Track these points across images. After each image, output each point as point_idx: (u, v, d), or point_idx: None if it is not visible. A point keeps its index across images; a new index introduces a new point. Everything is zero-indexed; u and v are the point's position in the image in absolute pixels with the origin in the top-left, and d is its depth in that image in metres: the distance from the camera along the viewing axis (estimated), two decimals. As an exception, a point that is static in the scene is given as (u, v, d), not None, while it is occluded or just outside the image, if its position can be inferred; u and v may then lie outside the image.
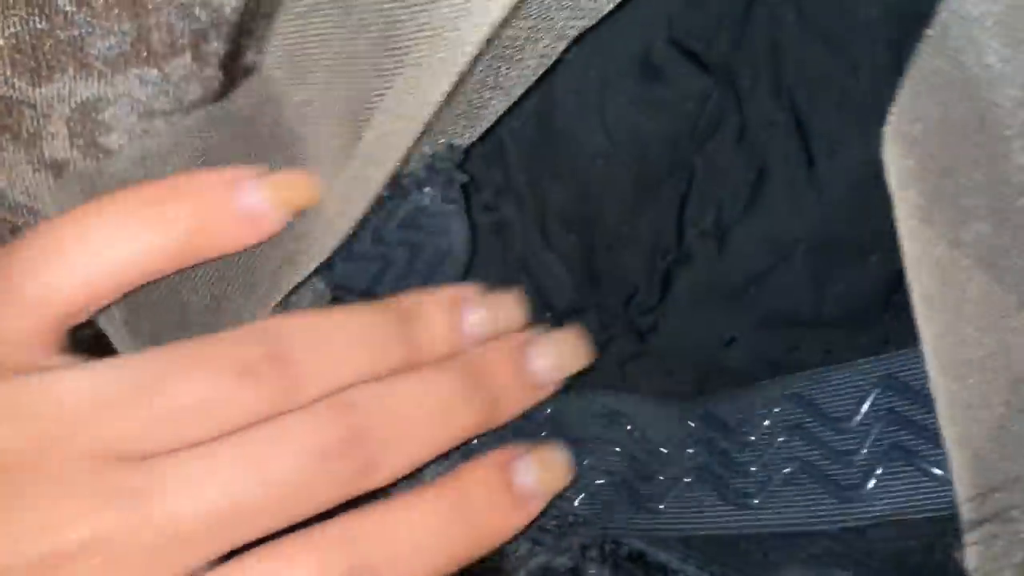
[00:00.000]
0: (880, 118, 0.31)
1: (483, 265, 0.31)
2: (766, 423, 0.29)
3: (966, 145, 0.22)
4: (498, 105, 0.28)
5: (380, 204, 0.28)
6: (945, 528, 0.25)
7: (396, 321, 0.25)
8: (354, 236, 0.28)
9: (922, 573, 0.27)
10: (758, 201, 0.32)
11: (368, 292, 0.29)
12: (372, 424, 0.23)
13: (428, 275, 0.29)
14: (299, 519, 0.23)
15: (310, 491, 0.23)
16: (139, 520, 0.21)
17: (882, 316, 0.32)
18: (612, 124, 0.32)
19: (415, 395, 0.24)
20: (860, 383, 0.27)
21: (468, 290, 0.28)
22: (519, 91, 0.28)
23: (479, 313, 0.27)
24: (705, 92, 0.31)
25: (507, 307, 0.28)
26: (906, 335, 0.31)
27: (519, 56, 0.27)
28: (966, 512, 0.23)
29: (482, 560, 0.26)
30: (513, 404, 0.27)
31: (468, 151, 0.29)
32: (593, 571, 0.28)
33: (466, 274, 0.29)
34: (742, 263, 0.33)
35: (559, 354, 0.28)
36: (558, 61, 0.31)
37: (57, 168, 0.40)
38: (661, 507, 0.29)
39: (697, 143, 0.32)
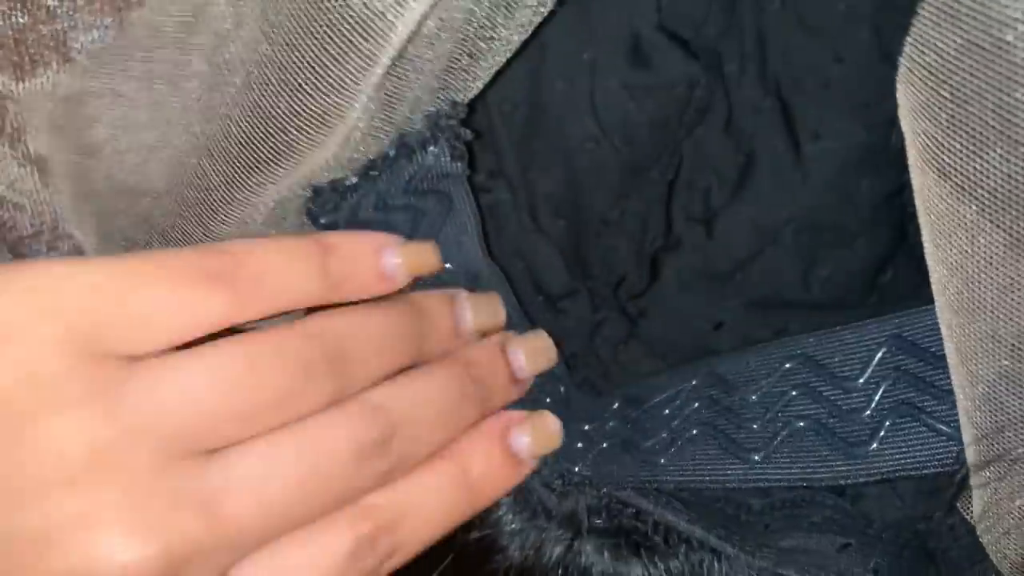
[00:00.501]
0: (864, 103, 0.31)
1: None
2: (769, 381, 0.29)
3: (981, 71, 0.22)
4: (498, 56, 0.29)
5: (384, 162, 0.28)
6: (948, 483, 0.25)
7: (415, 319, 0.27)
8: (358, 204, 0.29)
9: (920, 540, 0.28)
10: (745, 186, 0.32)
11: None
12: (400, 424, 0.25)
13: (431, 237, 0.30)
14: (331, 512, 0.24)
15: (347, 487, 0.24)
16: (207, 523, 0.22)
17: (868, 298, 0.32)
18: (602, 109, 0.32)
19: (431, 396, 0.26)
20: (867, 342, 0.28)
21: (460, 291, 0.30)
22: (517, 40, 0.28)
23: (470, 313, 0.29)
24: (694, 78, 0.32)
25: (493, 307, 0.30)
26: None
27: (515, 4, 0.27)
28: (972, 455, 0.24)
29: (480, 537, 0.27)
30: (501, 399, 0.29)
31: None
32: (588, 550, 0.28)
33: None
34: (730, 248, 0.33)
35: (533, 352, 0.30)
36: (547, 47, 0.31)
37: (42, 163, 0.40)
38: (662, 461, 0.30)
39: (686, 129, 0.32)
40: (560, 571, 0.29)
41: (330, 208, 0.29)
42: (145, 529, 0.21)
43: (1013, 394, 0.23)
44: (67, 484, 0.21)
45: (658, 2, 0.31)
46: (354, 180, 0.29)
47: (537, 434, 0.28)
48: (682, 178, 0.33)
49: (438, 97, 0.29)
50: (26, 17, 0.39)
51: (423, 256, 0.28)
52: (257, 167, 0.28)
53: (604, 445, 0.31)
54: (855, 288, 0.32)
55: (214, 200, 0.30)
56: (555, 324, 0.34)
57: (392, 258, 0.27)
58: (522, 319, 0.32)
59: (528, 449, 0.28)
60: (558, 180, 0.33)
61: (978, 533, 0.25)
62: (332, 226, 0.29)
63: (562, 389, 0.32)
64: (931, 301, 0.28)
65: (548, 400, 0.31)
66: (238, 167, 0.29)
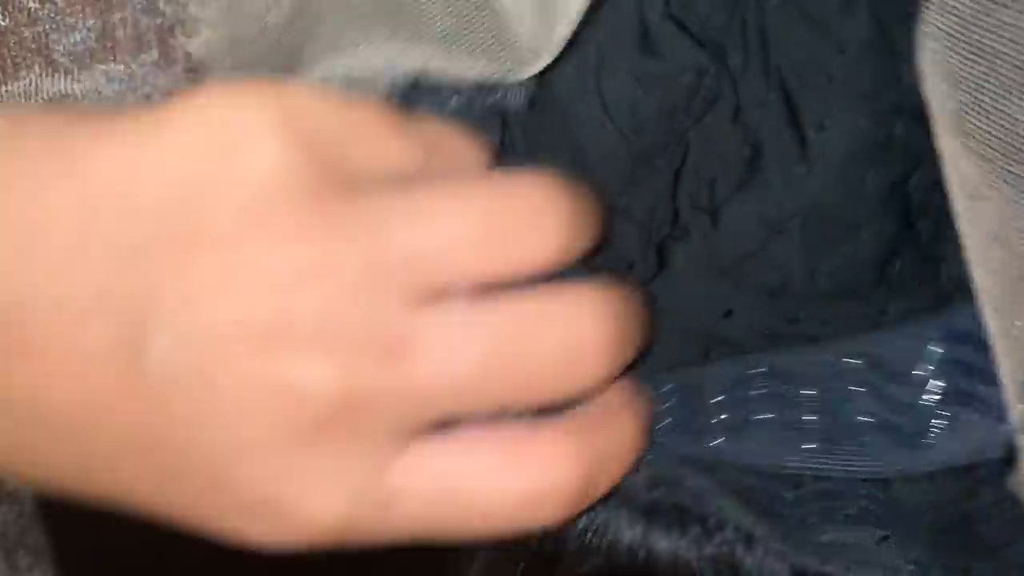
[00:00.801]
0: (867, 93, 0.32)
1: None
2: (829, 377, 0.29)
3: (1005, 28, 0.22)
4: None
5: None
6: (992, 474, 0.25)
7: None
8: None
9: (954, 525, 0.28)
10: (752, 177, 0.32)
11: None
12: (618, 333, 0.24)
13: None
14: (534, 405, 0.23)
15: (561, 380, 0.23)
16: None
17: (877, 288, 0.32)
18: (610, 97, 0.32)
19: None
20: (921, 336, 0.28)
21: None
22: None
23: None
24: (702, 67, 0.32)
25: None
26: (901, 308, 0.32)
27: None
28: (1018, 415, 0.24)
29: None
30: None
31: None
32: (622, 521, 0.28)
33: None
34: (736, 238, 0.33)
35: None
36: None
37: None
38: (718, 442, 0.30)
39: (693, 118, 0.32)
40: (589, 536, 0.28)
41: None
42: (335, 352, 0.21)
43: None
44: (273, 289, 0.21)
45: (665, -9, 0.31)
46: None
47: None
48: (688, 167, 0.33)
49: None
50: (7, 20, 0.38)
51: None
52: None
53: (663, 423, 0.31)
54: (863, 278, 0.32)
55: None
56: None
57: None
58: None
59: None
60: (565, 166, 0.33)
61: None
62: None
63: None
64: (942, 289, 0.29)
65: None
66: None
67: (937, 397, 0.27)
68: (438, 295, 0.22)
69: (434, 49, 0.27)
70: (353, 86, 0.26)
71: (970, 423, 0.27)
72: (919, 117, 0.32)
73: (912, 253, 0.33)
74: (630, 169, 0.33)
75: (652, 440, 0.30)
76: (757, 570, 0.28)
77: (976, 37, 0.22)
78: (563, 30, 0.27)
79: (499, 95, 0.28)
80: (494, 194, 0.23)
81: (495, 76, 0.27)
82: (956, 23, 0.23)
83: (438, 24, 0.27)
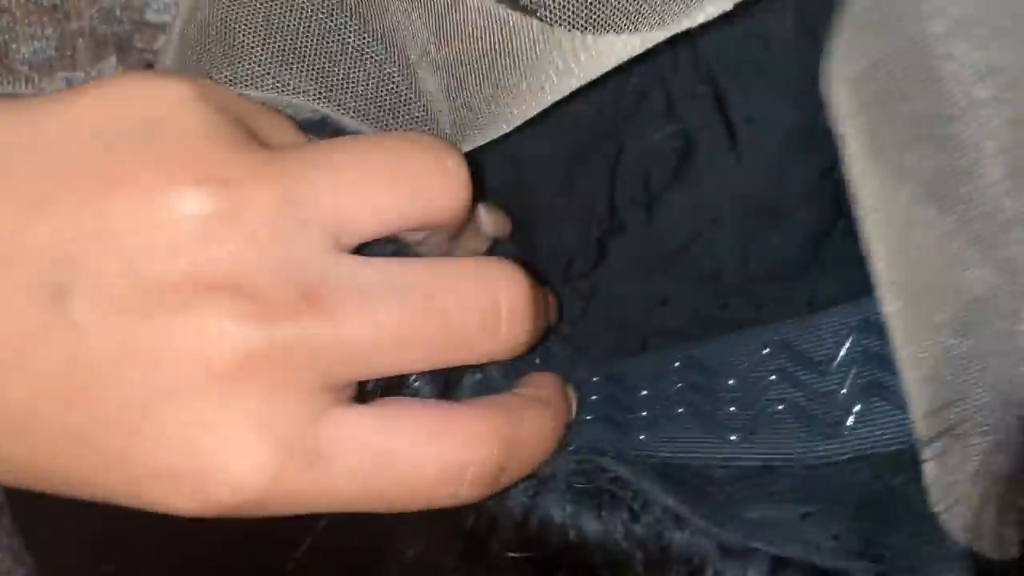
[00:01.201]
0: (793, 86, 0.33)
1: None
2: (748, 366, 0.30)
3: (906, 76, 0.23)
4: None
5: None
6: (908, 458, 0.26)
7: None
8: None
9: (878, 503, 0.29)
10: (684, 170, 0.33)
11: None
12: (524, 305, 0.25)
13: None
14: (454, 363, 0.24)
15: (478, 340, 0.24)
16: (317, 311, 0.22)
17: (807, 272, 0.33)
18: (539, 94, 0.33)
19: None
20: (840, 327, 0.29)
21: None
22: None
23: None
24: (628, 64, 0.33)
25: None
26: (833, 290, 0.33)
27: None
28: (921, 430, 0.25)
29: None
30: None
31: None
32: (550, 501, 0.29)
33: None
34: (672, 229, 0.34)
35: None
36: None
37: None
38: (642, 437, 0.31)
39: (623, 116, 0.33)
40: (520, 517, 0.30)
41: None
42: (253, 297, 0.21)
43: (953, 374, 0.24)
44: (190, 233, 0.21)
45: (590, -7, 0.32)
46: None
47: None
48: (623, 164, 0.34)
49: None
50: (-34, 31, 0.39)
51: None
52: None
53: (588, 418, 0.32)
54: (793, 263, 0.34)
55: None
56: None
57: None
58: None
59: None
60: (502, 169, 0.34)
61: (931, 506, 0.26)
62: None
63: (537, 361, 0.33)
64: (870, 274, 0.29)
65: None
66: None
67: (852, 386, 0.28)
68: (357, 249, 0.23)
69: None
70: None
71: (882, 413, 0.27)
72: (843, 107, 0.33)
73: (841, 238, 0.34)
74: (565, 169, 0.34)
75: (578, 432, 0.31)
76: (686, 548, 0.29)
77: (879, 85, 0.24)
78: (467, 147, 0.28)
79: None
80: (395, 146, 0.24)
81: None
82: (864, 67, 0.24)
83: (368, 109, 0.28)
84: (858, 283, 0.33)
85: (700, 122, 0.33)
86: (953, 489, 0.25)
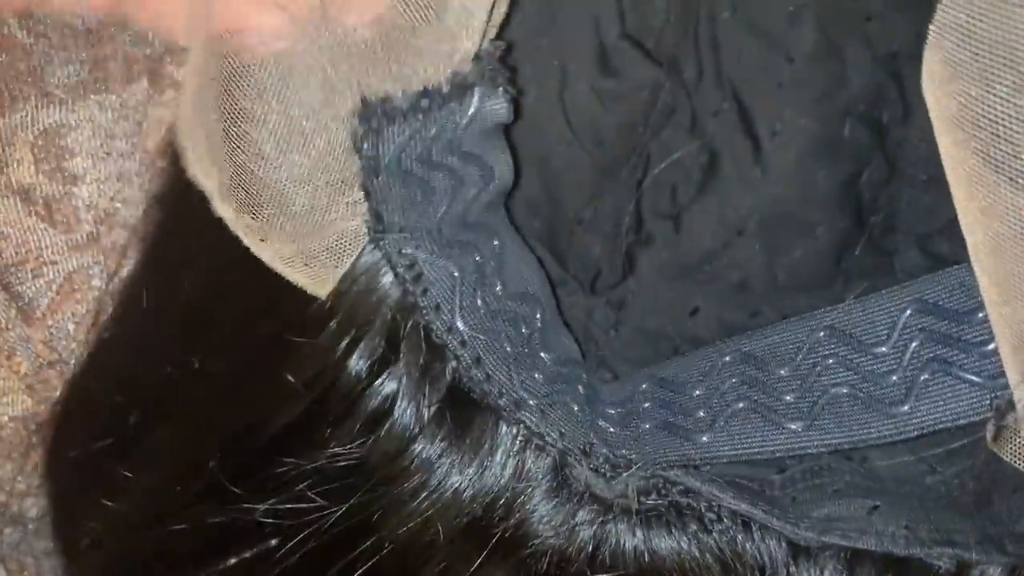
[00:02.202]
0: (816, 98, 0.33)
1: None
2: (800, 355, 0.30)
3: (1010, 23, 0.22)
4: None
5: (436, 98, 0.28)
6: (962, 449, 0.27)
7: None
8: (404, 147, 0.28)
9: (939, 495, 0.30)
10: (710, 183, 0.34)
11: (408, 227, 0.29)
12: None
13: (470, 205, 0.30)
14: None
15: None
16: None
17: (834, 282, 0.34)
18: (572, 112, 0.34)
19: None
20: (890, 308, 0.29)
21: None
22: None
23: None
24: (657, 83, 0.33)
25: None
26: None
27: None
28: (1015, 379, 0.24)
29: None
30: None
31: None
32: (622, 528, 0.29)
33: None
34: (698, 241, 0.35)
35: None
36: (517, 50, 0.32)
37: (24, 193, 0.41)
38: (705, 439, 0.31)
39: (652, 131, 0.34)
40: (592, 550, 0.30)
41: (374, 130, 0.28)
42: None
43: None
44: None
45: (620, 11, 0.33)
46: (404, 105, 0.28)
47: None
48: (650, 178, 0.35)
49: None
50: (2, 55, 0.40)
51: None
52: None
53: (646, 426, 0.32)
54: (819, 273, 0.34)
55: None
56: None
57: None
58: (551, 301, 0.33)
59: None
60: (532, 181, 0.35)
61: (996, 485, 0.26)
62: (374, 162, 0.28)
63: (583, 375, 0.33)
64: (895, 282, 0.30)
65: (572, 399, 0.32)
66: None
67: (911, 364, 0.28)
68: None
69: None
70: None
71: (947, 387, 0.27)
72: (866, 119, 0.34)
73: (865, 247, 0.34)
74: (594, 182, 0.35)
75: (640, 444, 0.31)
76: (758, 553, 0.29)
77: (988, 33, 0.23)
78: None
79: (475, 108, 0.28)
80: None
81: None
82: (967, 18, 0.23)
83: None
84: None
85: (724, 136, 0.34)
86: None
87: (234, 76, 0.26)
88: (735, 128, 0.34)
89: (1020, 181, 0.23)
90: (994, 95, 0.23)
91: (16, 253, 0.41)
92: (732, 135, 0.34)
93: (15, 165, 0.40)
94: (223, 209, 0.29)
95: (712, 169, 0.34)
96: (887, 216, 0.35)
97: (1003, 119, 0.23)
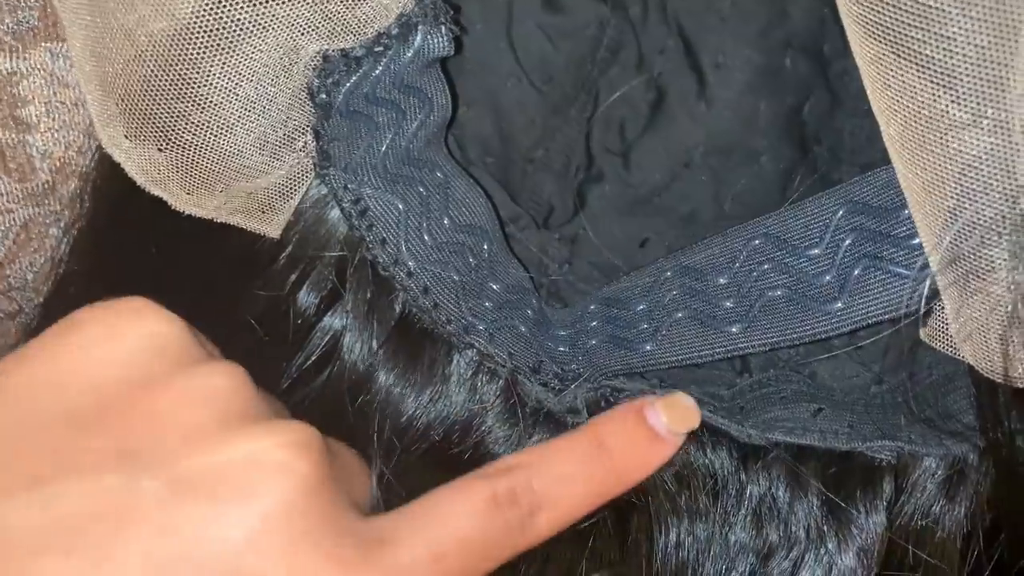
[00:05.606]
0: (758, 31, 0.34)
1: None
2: (737, 263, 0.31)
3: None
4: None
5: (388, 39, 0.28)
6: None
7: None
8: (355, 88, 0.29)
9: (883, 402, 0.31)
10: (657, 118, 0.35)
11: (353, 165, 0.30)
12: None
13: (412, 138, 0.30)
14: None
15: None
16: None
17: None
18: (520, 49, 0.34)
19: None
20: (823, 211, 0.30)
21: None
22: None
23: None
24: (603, 20, 0.34)
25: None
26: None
27: None
28: (935, 264, 0.25)
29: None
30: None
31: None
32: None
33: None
34: (647, 175, 0.36)
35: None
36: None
37: (-21, 143, 0.41)
38: (648, 347, 0.32)
39: (599, 68, 0.35)
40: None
41: (332, 83, 0.28)
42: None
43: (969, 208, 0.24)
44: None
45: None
46: (361, 52, 0.28)
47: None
48: (599, 114, 0.35)
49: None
50: (-52, 4, 0.39)
51: (682, 409, 0.30)
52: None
53: (593, 342, 0.33)
54: (765, 201, 0.35)
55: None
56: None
57: (658, 417, 0.29)
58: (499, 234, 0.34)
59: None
60: (484, 119, 0.36)
61: (956, 342, 0.27)
62: (326, 108, 0.29)
63: (533, 302, 0.34)
64: None
65: (521, 322, 0.33)
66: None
67: (843, 263, 0.29)
68: None
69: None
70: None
71: (875, 283, 0.28)
72: (807, 50, 0.34)
73: (809, 176, 0.35)
74: (544, 120, 0.35)
75: (587, 358, 0.32)
76: (710, 464, 0.30)
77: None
78: None
79: (418, 45, 0.28)
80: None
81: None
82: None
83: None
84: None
85: (670, 72, 0.35)
86: (968, 322, 0.26)
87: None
88: (680, 63, 0.34)
89: (926, 68, 0.23)
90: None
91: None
92: (677, 70, 0.34)
93: (-32, 114, 0.40)
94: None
95: (659, 104, 0.35)
96: (831, 146, 0.35)
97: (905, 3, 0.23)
